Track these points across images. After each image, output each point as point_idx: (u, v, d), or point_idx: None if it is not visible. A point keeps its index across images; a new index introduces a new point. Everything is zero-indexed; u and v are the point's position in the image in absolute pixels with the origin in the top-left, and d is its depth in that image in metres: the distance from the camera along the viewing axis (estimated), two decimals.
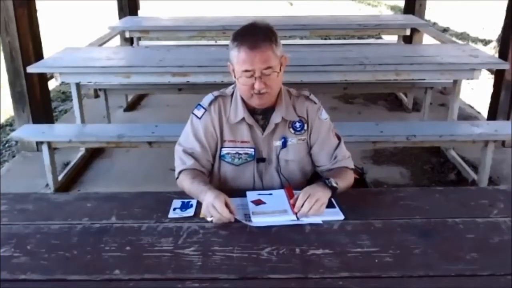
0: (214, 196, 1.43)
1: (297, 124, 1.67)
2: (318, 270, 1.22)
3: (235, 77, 1.59)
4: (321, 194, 1.46)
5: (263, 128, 1.65)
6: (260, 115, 1.66)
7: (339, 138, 1.73)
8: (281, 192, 1.58)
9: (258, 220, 1.42)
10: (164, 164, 3.10)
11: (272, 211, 1.47)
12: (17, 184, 3.26)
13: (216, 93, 1.70)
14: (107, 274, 1.21)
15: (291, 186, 1.60)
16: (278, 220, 1.43)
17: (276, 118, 1.64)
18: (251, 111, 1.64)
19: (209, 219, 1.43)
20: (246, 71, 1.52)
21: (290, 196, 1.53)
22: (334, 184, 1.52)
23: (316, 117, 1.68)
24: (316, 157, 1.71)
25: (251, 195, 1.55)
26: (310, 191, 1.46)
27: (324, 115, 1.70)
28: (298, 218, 1.43)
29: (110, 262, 1.26)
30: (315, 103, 1.70)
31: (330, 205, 1.50)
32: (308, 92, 1.73)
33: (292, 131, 1.67)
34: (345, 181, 1.61)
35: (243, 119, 1.63)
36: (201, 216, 1.46)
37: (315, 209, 1.43)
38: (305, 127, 1.68)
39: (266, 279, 1.20)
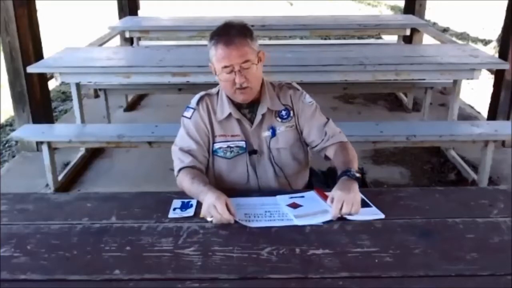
0: (215, 197, 1.43)
1: (283, 112, 1.72)
2: (318, 270, 1.22)
3: (216, 74, 1.63)
4: (353, 195, 1.44)
5: (251, 121, 1.70)
6: (247, 109, 1.70)
7: (327, 118, 1.77)
8: (312, 194, 1.58)
9: (303, 223, 1.41)
10: (164, 164, 3.10)
11: (313, 212, 1.46)
12: (17, 184, 3.26)
13: (202, 92, 1.75)
14: (107, 274, 1.21)
15: (321, 188, 1.60)
16: (324, 219, 1.42)
17: (262, 109, 1.69)
18: (238, 106, 1.69)
19: (209, 219, 1.43)
20: (225, 67, 1.57)
21: (322, 196, 1.53)
22: (358, 174, 1.53)
23: (300, 102, 1.73)
24: (308, 138, 1.74)
25: (283, 199, 1.54)
26: (342, 197, 1.43)
27: (308, 99, 1.75)
28: (341, 216, 1.42)
29: (110, 262, 1.26)
30: (297, 89, 1.76)
31: (366, 204, 1.50)
32: (290, 81, 1.79)
33: (279, 120, 1.71)
34: (355, 160, 1.63)
35: (230, 114, 1.67)
36: (201, 216, 1.46)
37: (354, 211, 1.43)
38: (291, 114, 1.72)
39: (266, 279, 1.20)
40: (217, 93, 1.73)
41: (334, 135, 1.72)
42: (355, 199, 1.44)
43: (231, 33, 1.58)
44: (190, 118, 1.70)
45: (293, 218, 1.43)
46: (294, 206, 1.51)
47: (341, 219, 1.43)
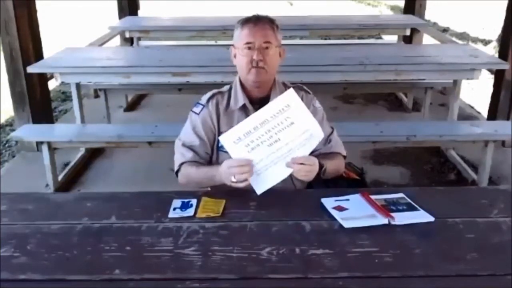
0: (224, 163, 1.55)
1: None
2: (318, 270, 1.22)
3: (235, 56, 1.70)
4: (313, 162, 1.57)
5: None
6: (257, 105, 1.72)
7: (332, 128, 1.82)
8: (357, 197, 1.56)
9: (351, 225, 1.40)
10: (164, 164, 3.09)
11: (360, 216, 1.44)
12: (17, 184, 3.26)
13: (214, 90, 1.79)
14: (107, 274, 1.21)
15: (367, 191, 1.58)
16: (372, 223, 1.40)
17: None
18: (250, 100, 1.73)
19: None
20: (248, 43, 1.64)
21: (368, 200, 1.51)
22: (323, 167, 1.63)
23: (311, 105, 1.77)
24: None
25: (329, 202, 1.52)
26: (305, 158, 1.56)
27: (318, 104, 1.81)
28: (389, 223, 1.40)
29: (110, 262, 1.26)
30: (309, 93, 1.81)
31: (414, 208, 1.49)
32: (301, 84, 1.83)
33: None
34: (334, 164, 1.71)
35: (243, 106, 1.72)
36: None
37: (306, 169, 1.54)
38: None
39: (266, 279, 1.20)
40: (229, 90, 1.77)
41: (336, 146, 1.79)
42: (313, 166, 1.55)
43: (260, 17, 1.70)
44: (198, 114, 1.74)
45: (341, 222, 1.42)
46: (340, 209, 1.49)
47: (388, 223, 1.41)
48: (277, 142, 1.53)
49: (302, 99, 1.74)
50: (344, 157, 1.81)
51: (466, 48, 3.83)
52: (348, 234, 1.37)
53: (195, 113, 1.74)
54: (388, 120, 4.18)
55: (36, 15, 3.61)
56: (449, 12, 9.86)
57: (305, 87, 1.81)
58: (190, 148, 1.71)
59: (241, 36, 1.67)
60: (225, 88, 1.79)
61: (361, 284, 1.19)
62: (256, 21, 1.67)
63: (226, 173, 1.54)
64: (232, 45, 1.73)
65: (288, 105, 1.53)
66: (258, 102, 1.73)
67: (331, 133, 1.79)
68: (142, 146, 3.18)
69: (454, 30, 8.69)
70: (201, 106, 1.74)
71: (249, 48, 1.64)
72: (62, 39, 6.45)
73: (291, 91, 1.55)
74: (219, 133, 1.72)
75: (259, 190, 1.55)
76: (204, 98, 1.76)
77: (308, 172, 1.55)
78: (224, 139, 1.55)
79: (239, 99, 1.72)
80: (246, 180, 1.52)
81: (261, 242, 1.33)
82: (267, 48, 1.65)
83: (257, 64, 1.64)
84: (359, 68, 3.22)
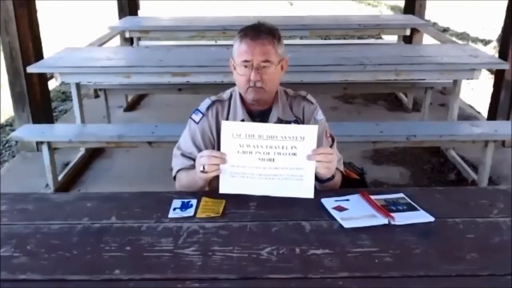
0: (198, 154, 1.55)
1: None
2: (318, 270, 1.22)
3: (234, 69, 1.63)
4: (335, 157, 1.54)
5: None
6: (258, 118, 1.68)
7: (332, 140, 1.75)
8: (357, 197, 1.55)
9: (351, 225, 1.40)
10: (164, 164, 3.08)
11: (360, 216, 1.44)
12: (17, 184, 3.26)
13: (213, 97, 1.72)
14: (107, 274, 1.21)
15: (366, 191, 1.58)
16: (372, 223, 1.40)
17: (272, 118, 1.67)
18: (249, 114, 1.68)
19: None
20: (245, 61, 1.57)
21: (368, 200, 1.51)
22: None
23: (312, 117, 1.70)
24: None
25: (329, 202, 1.52)
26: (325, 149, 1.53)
27: (320, 115, 1.72)
28: (389, 223, 1.40)
29: (110, 262, 1.26)
30: (312, 103, 1.73)
31: (414, 208, 1.49)
32: (305, 92, 1.75)
33: None
34: (334, 178, 1.64)
35: (242, 121, 1.66)
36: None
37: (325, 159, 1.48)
38: None
39: (266, 279, 1.20)
40: (229, 98, 1.70)
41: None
42: (333, 157, 1.51)
43: (260, 30, 1.59)
44: (197, 123, 1.68)
45: (341, 222, 1.41)
46: (340, 209, 1.48)
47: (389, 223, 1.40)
48: (269, 161, 1.49)
49: (303, 109, 1.71)
50: (342, 172, 1.72)
51: (466, 48, 3.83)
52: (348, 234, 1.37)
53: (194, 121, 1.68)
54: (388, 120, 4.18)
55: (36, 15, 3.61)
56: (449, 12, 9.86)
57: (308, 97, 1.74)
58: (190, 157, 1.67)
59: (239, 52, 1.58)
60: (226, 95, 1.71)
61: (361, 284, 1.19)
62: (254, 36, 1.57)
63: (197, 162, 1.51)
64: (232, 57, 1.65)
65: (303, 138, 1.46)
66: (258, 115, 1.68)
67: (331, 146, 1.71)
68: (142, 146, 3.18)
69: (454, 30, 8.69)
70: (201, 115, 1.68)
71: (246, 66, 1.57)
72: (62, 39, 6.45)
73: (315, 128, 1.48)
74: (218, 144, 1.66)
75: (222, 190, 1.52)
76: (204, 106, 1.70)
77: (329, 163, 1.49)
78: (226, 127, 1.49)
79: (238, 114, 1.66)
80: (214, 171, 1.48)
81: (261, 242, 1.33)
82: (266, 67, 1.57)
83: (255, 85, 1.57)
84: (359, 68, 3.22)
